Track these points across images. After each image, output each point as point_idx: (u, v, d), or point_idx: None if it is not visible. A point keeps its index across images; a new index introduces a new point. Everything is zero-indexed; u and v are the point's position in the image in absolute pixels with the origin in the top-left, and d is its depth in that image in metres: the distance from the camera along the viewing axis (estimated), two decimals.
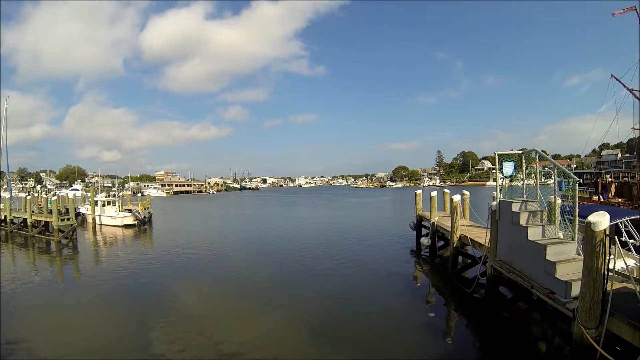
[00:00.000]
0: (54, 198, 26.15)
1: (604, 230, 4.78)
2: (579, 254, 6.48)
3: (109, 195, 33.80)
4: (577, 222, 6.99)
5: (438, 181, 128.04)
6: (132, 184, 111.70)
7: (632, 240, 7.93)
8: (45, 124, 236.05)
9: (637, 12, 17.92)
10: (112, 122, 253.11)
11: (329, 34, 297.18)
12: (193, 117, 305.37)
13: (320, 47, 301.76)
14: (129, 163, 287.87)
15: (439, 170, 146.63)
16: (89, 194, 32.87)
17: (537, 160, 8.15)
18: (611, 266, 4.98)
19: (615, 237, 5.43)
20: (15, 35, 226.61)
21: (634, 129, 21.30)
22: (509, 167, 8.89)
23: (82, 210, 31.69)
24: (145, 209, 29.97)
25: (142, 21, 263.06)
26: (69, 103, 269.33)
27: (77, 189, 65.44)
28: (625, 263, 5.56)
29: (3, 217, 26.61)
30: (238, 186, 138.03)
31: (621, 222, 7.80)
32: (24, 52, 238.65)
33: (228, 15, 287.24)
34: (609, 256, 4.84)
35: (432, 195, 15.88)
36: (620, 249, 5.51)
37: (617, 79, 20.02)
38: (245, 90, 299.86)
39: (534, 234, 7.10)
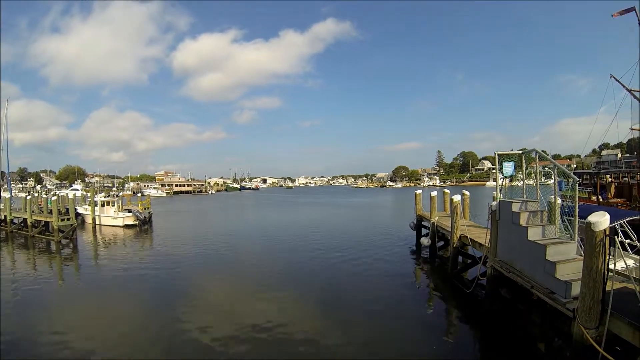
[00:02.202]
0: (54, 198, 26.06)
1: (604, 230, 4.79)
2: (579, 254, 6.48)
3: (108, 195, 33.74)
4: (577, 222, 6.99)
5: (438, 181, 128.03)
6: (132, 184, 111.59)
7: (629, 241, 7.91)
8: (63, 127, 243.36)
9: (636, 12, 17.90)
10: (130, 125, 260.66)
11: (342, 52, 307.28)
12: (208, 121, 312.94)
13: (334, 67, 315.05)
14: (133, 164, 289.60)
15: (439, 170, 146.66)
16: (89, 194, 32.63)
17: (537, 160, 8.15)
18: (611, 266, 4.98)
19: (616, 237, 5.43)
20: (58, 46, 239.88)
21: (632, 129, 21.29)
22: (509, 167, 8.89)
23: (80, 210, 30.64)
24: (145, 209, 29.95)
25: (175, 44, 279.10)
26: (92, 108, 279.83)
27: (77, 189, 65.50)
28: (625, 263, 5.56)
29: (3, 217, 26.58)
30: (238, 186, 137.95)
31: (618, 224, 7.77)
32: (61, 62, 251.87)
33: (257, 42, 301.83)
34: (609, 256, 4.84)
35: (432, 195, 15.88)
36: (621, 249, 5.52)
37: (616, 79, 19.99)
38: (262, 98, 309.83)
39: (534, 234, 7.09)
